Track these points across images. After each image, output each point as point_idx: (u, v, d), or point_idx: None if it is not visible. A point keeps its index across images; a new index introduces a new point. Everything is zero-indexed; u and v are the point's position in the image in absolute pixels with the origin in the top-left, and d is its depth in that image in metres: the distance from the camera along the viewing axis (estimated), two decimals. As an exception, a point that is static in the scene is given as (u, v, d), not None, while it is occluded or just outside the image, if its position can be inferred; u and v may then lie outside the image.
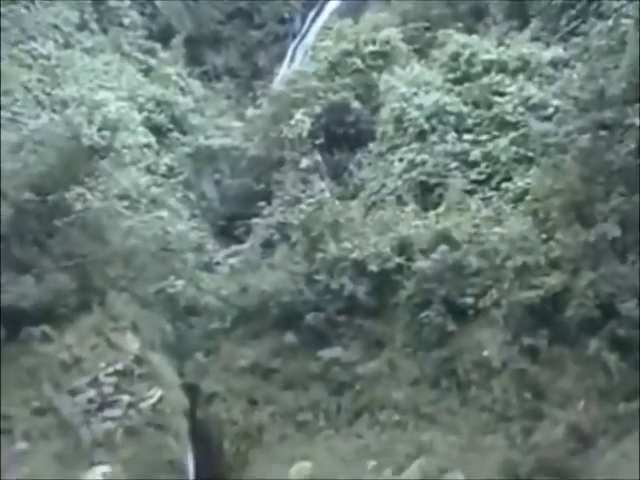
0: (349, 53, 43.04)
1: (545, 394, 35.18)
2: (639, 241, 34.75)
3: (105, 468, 35.10)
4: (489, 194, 39.32)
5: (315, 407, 37.95)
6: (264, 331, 39.63)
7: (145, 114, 44.94)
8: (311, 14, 51.43)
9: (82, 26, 47.37)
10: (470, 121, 40.62)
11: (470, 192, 39.35)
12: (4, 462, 34.40)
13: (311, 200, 40.31)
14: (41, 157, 37.72)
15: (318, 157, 41.45)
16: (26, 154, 37.85)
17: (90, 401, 36.13)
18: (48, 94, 42.55)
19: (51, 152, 37.72)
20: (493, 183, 39.59)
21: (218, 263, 42.17)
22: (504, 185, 39.14)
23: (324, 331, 38.58)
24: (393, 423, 36.84)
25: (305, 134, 42.00)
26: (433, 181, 40.08)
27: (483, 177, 39.77)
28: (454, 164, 39.99)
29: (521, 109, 39.97)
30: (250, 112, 45.69)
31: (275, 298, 39.15)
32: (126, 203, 40.22)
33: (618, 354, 34.13)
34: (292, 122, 42.27)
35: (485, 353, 36.06)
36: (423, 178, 40.21)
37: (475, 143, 40.07)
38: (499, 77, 40.91)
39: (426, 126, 40.51)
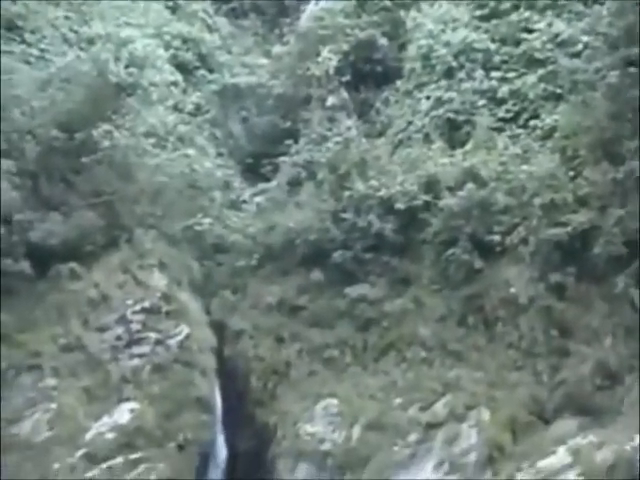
0: None
1: (572, 331, 35.49)
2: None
3: (133, 404, 35.52)
4: (517, 131, 39.23)
5: (342, 344, 37.97)
6: (291, 269, 39.70)
7: (172, 51, 44.95)
8: None
9: None
10: (498, 58, 40.52)
11: (498, 130, 39.31)
12: (35, 397, 34.64)
13: (338, 138, 40.37)
14: (68, 94, 37.81)
15: (345, 95, 41.54)
16: (53, 91, 37.91)
17: (118, 338, 36.39)
18: (75, 32, 42.50)
19: (78, 89, 37.79)
20: (521, 120, 39.50)
21: (245, 201, 42.18)
22: (532, 123, 39.05)
23: (351, 269, 38.61)
24: (419, 360, 36.92)
25: (332, 71, 41.93)
26: (460, 119, 40.03)
27: (511, 115, 39.71)
28: (482, 102, 39.93)
29: (549, 46, 39.80)
30: (277, 49, 45.78)
31: (302, 236, 39.16)
32: (153, 141, 40.22)
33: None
34: (319, 59, 42.26)
35: (512, 290, 36.23)
36: (450, 116, 40.15)
37: (503, 80, 40.01)
38: (527, 13, 40.75)
39: (454, 63, 40.51)
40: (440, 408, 35.75)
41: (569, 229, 35.50)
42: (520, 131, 39.18)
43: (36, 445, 33.93)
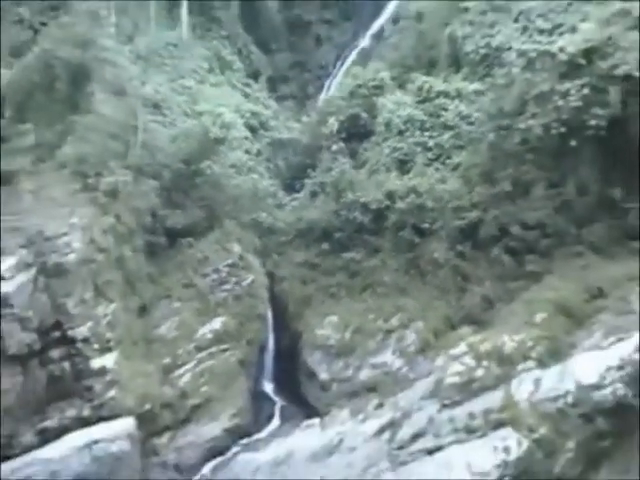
0: (360, 85, 42.53)
1: (468, 278, 35.89)
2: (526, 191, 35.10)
3: (222, 318, 35.99)
4: (438, 166, 38.90)
5: (339, 285, 38.06)
6: (310, 243, 39.55)
7: (244, 120, 44.54)
8: (339, 63, 51.29)
9: (210, 70, 47.06)
10: (427, 125, 40.05)
11: (428, 165, 38.99)
12: (168, 313, 35.08)
13: (338, 169, 40.12)
14: (187, 143, 37.89)
15: (342, 144, 40.98)
16: (179, 142, 38.07)
17: (213, 281, 36.68)
18: (191, 109, 42.51)
19: (193, 141, 37.92)
20: (441, 159, 39.15)
21: (285, 204, 41.95)
22: (447, 161, 38.91)
23: (345, 243, 38.68)
24: (383, 294, 37.14)
25: (335, 131, 41.45)
26: (407, 158, 39.68)
27: (435, 156, 39.38)
28: (418, 149, 39.62)
29: (456, 118, 39.68)
30: (304, 119, 45.31)
31: (317, 224, 39.31)
32: (234, 170, 40.27)
33: (508, 255, 35.07)
34: (327, 124, 41.82)
35: (435, 255, 36.55)
36: (401, 157, 39.79)
37: (430, 137, 39.60)
38: (445, 100, 40.49)
39: (402, 127, 40.26)
40: (395, 321, 36.23)
41: (466, 221, 36.03)
42: (440, 166, 38.84)
43: (169, 339, 34.34)
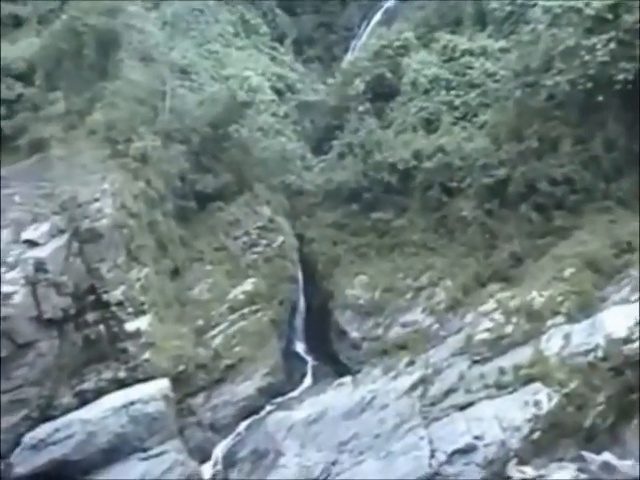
0: (385, 46, 42.00)
1: (496, 235, 35.73)
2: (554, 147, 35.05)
3: (253, 279, 36.04)
4: (465, 125, 38.67)
5: (369, 245, 37.97)
6: (339, 204, 39.38)
7: (271, 83, 44.25)
8: (364, 24, 50.83)
9: (235, 34, 46.74)
10: (453, 84, 39.68)
11: (454, 124, 38.78)
12: (200, 276, 35.18)
13: (365, 130, 39.81)
14: (214, 108, 37.64)
15: (369, 105, 40.56)
16: (206, 106, 37.85)
17: (244, 243, 36.86)
18: (218, 73, 42.19)
19: (220, 105, 37.69)
20: (467, 118, 38.94)
21: (313, 166, 41.53)
22: (474, 119, 38.63)
23: (373, 203, 38.50)
24: (412, 253, 37.08)
25: (361, 92, 41.00)
26: (433, 117, 39.42)
27: (461, 115, 39.11)
28: (444, 108, 39.32)
29: (482, 76, 39.30)
30: (330, 80, 44.57)
31: (346, 185, 39.05)
32: (261, 133, 40.09)
33: (537, 212, 34.91)
34: (354, 86, 41.32)
35: (463, 213, 36.32)
36: (427, 116, 39.49)
37: (456, 96, 39.24)
38: (471, 58, 40.05)
39: (428, 86, 39.85)
40: (424, 279, 36.26)
41: (494, 179, 35.76)
42: (467, 124, 38.61)
43: (201, 301, 34.52)
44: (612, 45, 32.51)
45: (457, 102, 39.19)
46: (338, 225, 38.95)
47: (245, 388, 33.98)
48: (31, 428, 29.59)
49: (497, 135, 36.82)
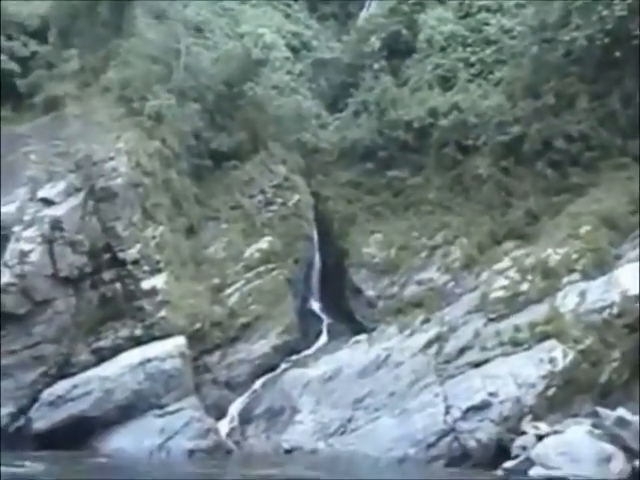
0: (400, 2, 41.33)
1: (512, 193, 35.55)
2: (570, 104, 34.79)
3: (269, 238, 35.77)
4: (481, 82, 38.27)
5: (384, 203, 37.76)
6: (355, 162, 39.02)
7: (286, 40, 43.72)
8: None
9: None
10: (469, 40, 39.22)
11: (470, 80, 38.43)
12: (215, 236, 35.11)
13: (380, 87, 39.45)
14: (229, 65, 37.34)
15: (384, 62, 40.20)
16: (221, 64, 37.42)
17: (259, 201, 36.48)
18: (232, 30, 41.66)
19: (234, 62, 37.39)
20: (483, 75, 38.50)
21: (329, 124, 40.99)
22: (489, 76, 38.18)
23: (389, 161, 38.20)
24: (428, 211, 36.88)
25: (376, 49, 40.66)
26: (449, 75, 38.99)
27: (477, 72, 38.68)
28: (460, 65, 38.89)
29: (498, 32, 38.90)
30: (345, 38, 44.07)
31: (361, 143, 38.71)
32: (276, 91, 39.68)
33: (552, 169, 34.82)
34: (369, 43, 40.90)
35: (479, 171, 36.02)
36: (443, 73, 39.15)
37: (473, 53, 38.93)
38: (487, 14, 39.64)
39: (444, 43, 39.55)
40: (439, 238, 36.09)
41: (510, 136, 35.36)
42: (483, 81, 38.17)
43: (217, 260, 34.48)
44: (630, -1, 32.17)
45: (473, 59, 38.81)
46: (353, 183, 38.75)
47: (261, 346, 34.04)
48: (49, 385, 29.88)
49: (513, 92, 36.46)
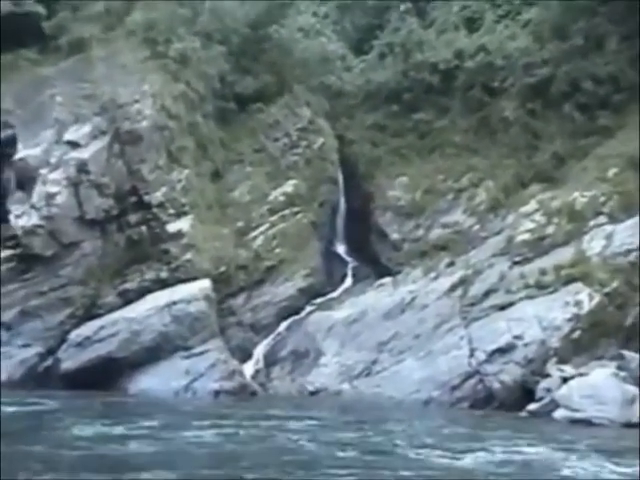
0: None
1: (540, 135, 35.21)
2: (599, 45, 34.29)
3: (294, 181, 35.69)
4: (508, 23, 37.75)
5: (410, 146, 37.56)
6: (379, 105, 38.71)
7: None
8: None
9: None
10: None
11: (497, 22, 37.94)
12: (239, 178, 34.98)
13: (406, 29, 39.02)
14: (254, 8, 36.88)
15: (409, 4, 39.53)
16: (246, 7, 36.87)
17: (284, 144, 36.23)
18: None
19: (260, 5, 36.96)
20: (510, 16, 38.02)
21: (353, 67, 40.63)
22: (517, 17, 37.74)
23: (414, 103, 37.88)
24: (453, 154, 36.70)
25: None
26: (476, 16, 38.60)
27: (505, 13, 38.23)
28: (487, 6, 38.48)
29: None
30: None
31: (386, 85, 38.43)
32: (302, 34, 39.16)
33: (580, 112, 34.38)
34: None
35: (506, 113, 35.77)
36: (470, 15, 38.72)
37: None
38: None
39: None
40: (465, 180, 35.97)
41: (537, 78, 35.02)
42: (510, 22, 37.72)
43: (242, 203, 34.31)
44: (661, -63, 31.36)
45: (500, 0, 38.31)
46: (378, 126, 38.42)
47: (285, 289, 34.04)
48: (76, 326, 30.06)
49: (541, 33, 36.01)
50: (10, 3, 32.64)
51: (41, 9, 33.58)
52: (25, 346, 29.70)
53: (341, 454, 18.98)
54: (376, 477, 17.11)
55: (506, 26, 37.55)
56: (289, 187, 35.65)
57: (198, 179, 33.31)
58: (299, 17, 39.78)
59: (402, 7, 39.97)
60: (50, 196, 29.99)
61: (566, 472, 17.70)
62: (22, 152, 30.75)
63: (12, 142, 31.02)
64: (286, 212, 35.22)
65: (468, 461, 18.51)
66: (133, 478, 16.14)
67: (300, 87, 37.69)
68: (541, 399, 25.97)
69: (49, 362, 29.70)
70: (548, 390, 26.02)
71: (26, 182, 30.47)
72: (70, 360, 29.34)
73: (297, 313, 33.75)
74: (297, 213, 35.40)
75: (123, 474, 16.35)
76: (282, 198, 35.27)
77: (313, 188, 36.15)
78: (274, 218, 34.79)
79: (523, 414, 25.95)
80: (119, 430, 20.95)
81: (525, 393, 26.87)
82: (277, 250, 34.27)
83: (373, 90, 38.95)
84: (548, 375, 26.64)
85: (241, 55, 36.42)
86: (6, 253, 30.00)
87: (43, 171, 30.41)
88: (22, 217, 30.00)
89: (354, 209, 37.60)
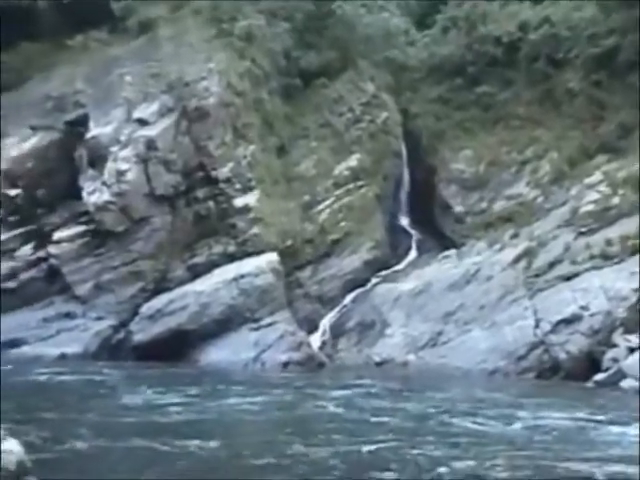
0: None
1: (605, 106, 34.61)
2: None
3: (358, 156, 35.37)
4: None
5: (473, 119, 37.01)
6: (443, 79, 38.24)
7: None
8: None
9: None
10: None
11: None
12: (304, 154, 34.84)
13: (469, 3, 38.33)
14: None
15: None
16: None
17: (348, 119, 35.98)
18: None
19: None
20: None
21: (417, 41, 39.75)
22: None
23: (478, 77, 37.42)
24: (517, 126, 36.21)
25: None
26: None
27: None
28: None
29: None
30: None
31: (450, 59, 37.95)
32: (364, 9, 38.57)
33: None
34: None
35: (570, 84, 35.13)
36: None
37: None
38: None
39: None
40: (529, 152, 35.51)
41: (602, 48, 34.43)
42: None
43: (307, 177, 34.22)
44: None
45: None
46: (442, 100, 38.04)
47: (351, 261, 34.06)
48: (147, 299, 30.49)
49: (606, 3, 35.25)
50: (80, -14, 33.14)
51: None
52: (99, 319, 30.31)
53: (403, 424, 19.29)
54: (426, 443, 17.11)
55: (571, -4, 36.86)
56: (353, 161, 35.57)
57: (264, 154, 33.43)
58: (362, -8, 39.30)
59: (465, -20, 39.11)
60: (120, 173, 30.42)
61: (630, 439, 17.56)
62: (93, 131, 31.33)
63: (84, 121, 31.60)
64: (351, 186, 35.18)
65: (517, 428, 18.88)
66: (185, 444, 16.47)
67: (364, 62, 37.47)
68: (608, 369, 25.73)
69: (122, 334, 30.16)
70: (615, 360, 25.78)
71: (97, 160, 30.99)
72: (142, 332, 29.76)
73: (362, 285, 33.75)
74: (361, 187, 35.32)
75: (174, 440, 16.67)
76: (347, 172, 35.21)
77: (377, 162, 36.04)
78: (339, 192, 34.79)
79: (590, 384, 25.75)
80: (186, 399, 21.51)
81: (592, 363, 26.61)
82: (342, 223, 34.30)
83: (437, 64, 38.57)
84: (615, 345, 26.38)
85: (305, 31, 36.31)
86: (80, 229, 30.76)
87: (113, 149, 30.84)
88: (94, 194, 30.56)
89: (418, 182, 37.36)
